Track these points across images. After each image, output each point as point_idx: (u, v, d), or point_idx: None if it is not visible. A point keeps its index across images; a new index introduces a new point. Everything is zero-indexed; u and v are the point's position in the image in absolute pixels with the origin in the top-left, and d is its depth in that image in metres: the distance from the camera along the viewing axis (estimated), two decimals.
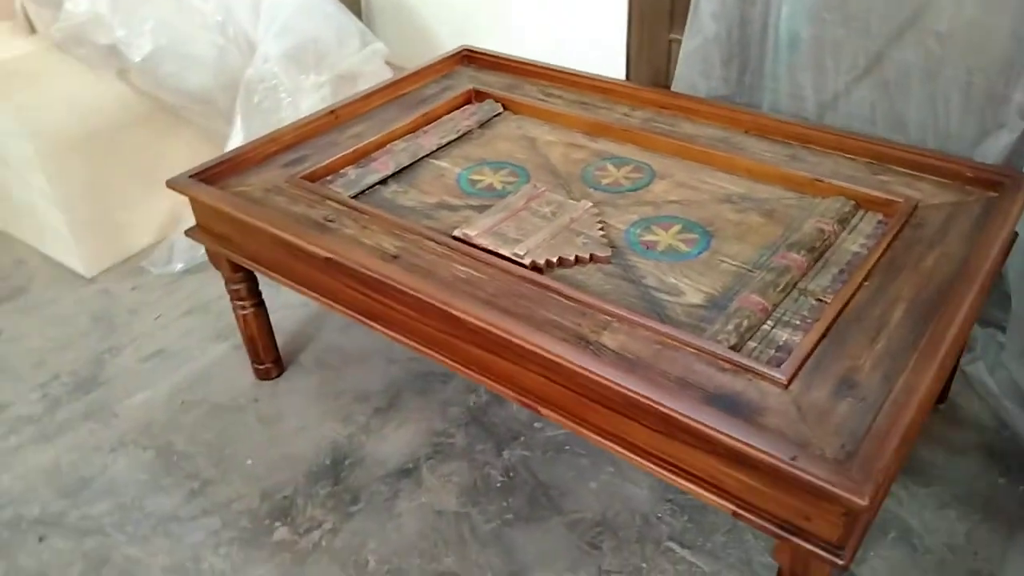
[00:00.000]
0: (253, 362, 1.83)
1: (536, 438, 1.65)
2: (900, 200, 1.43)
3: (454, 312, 1.21)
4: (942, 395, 1.70)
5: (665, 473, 1.10)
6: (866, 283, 1.26)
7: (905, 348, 1.13)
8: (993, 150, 1.77)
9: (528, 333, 1.16)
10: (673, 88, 2.25)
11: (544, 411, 1.21)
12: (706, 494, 1.07)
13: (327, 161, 1.66)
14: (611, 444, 1.15)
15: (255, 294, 1.72)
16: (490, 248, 1.39)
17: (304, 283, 1.49)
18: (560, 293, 1.26)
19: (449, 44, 2.21)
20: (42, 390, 1.86)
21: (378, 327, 1.39)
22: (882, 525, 1.46)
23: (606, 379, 1.08)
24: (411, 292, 1.26)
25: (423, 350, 1.34)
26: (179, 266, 2.22)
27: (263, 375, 1.84)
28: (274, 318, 1.81)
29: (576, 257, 1.37)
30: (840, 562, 0.97)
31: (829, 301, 1.25)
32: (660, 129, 1.72)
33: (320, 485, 1.59)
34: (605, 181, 1.61)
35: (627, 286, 1.32)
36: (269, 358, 1.83)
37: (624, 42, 2.49)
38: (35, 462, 1.68)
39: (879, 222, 1.44)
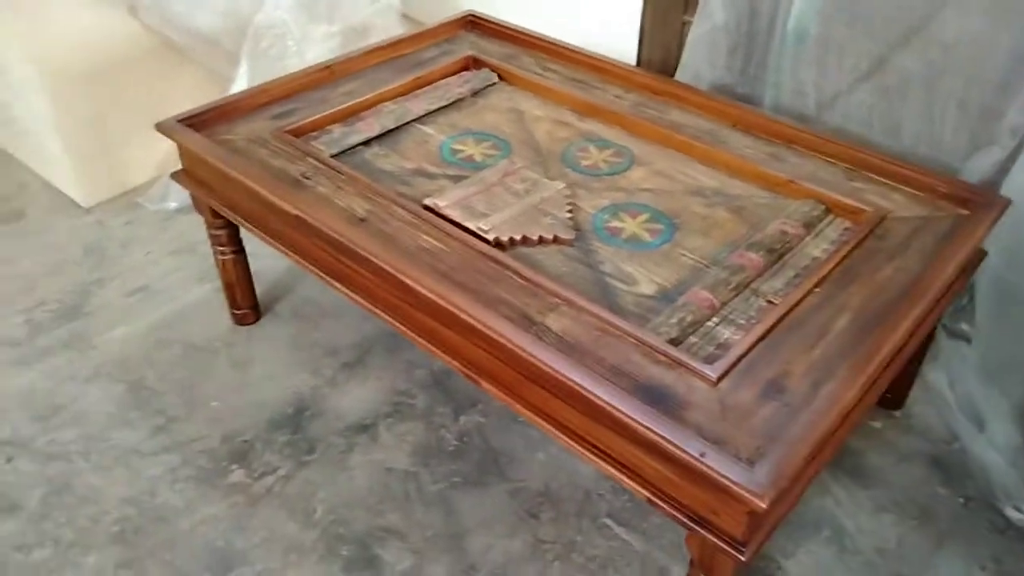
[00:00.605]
0: (231, 307, 1.88)
1: (493, 406, 1.69)
2: (869, 209, 1.44)
3: (407, 281, 1.24)
4: (899, 402, 1.72)
5: (591, 456, 1.14)
6: (817, 289, 1.27)
7: (840, 358, 1.15)
8: (982, 166, 1.76)
9: (475, 309, 1.19)
10: (678, 74, 2.24)
11: (485, 384, 1.24)
12: (626, 479, 1.10)
13: (315, 117, 1.68)
14: (544, 423, 1.18)
15: (236, 241, 1.76)
16: (457, 220, 1.41)
17: (277, 237, 1.53)
18: (516, 272, 1.28)
19: (467, 3, 2.21)
20: (27, 315, 1.93)
21: (341, 288, 1.43)
22: (816, 523, 1.50)
23: (541, 361, 1.11)
24: (370, 257, 1.29)
25: (381, 314, 1.38)
26: (173, 204, 2.27)
27: (240, 320, 1.89)
28: (256, 266, 1.85)
29: (540, 237, 1.40)
30: (742, 558, 1.01)
31: (778, 304, 1.27)
32: (648, 115, 1.73)
33: (280, 432, 1.64)
34: (584, 163, 1.62)
35: (584, 270, 1.35)
36: (247, 304, 1.87)
37: (639, 20, 2.47)
38: (12, 385, 1.74)
39: (846, 229, 1.45)
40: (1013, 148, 1.71)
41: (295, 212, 1.38)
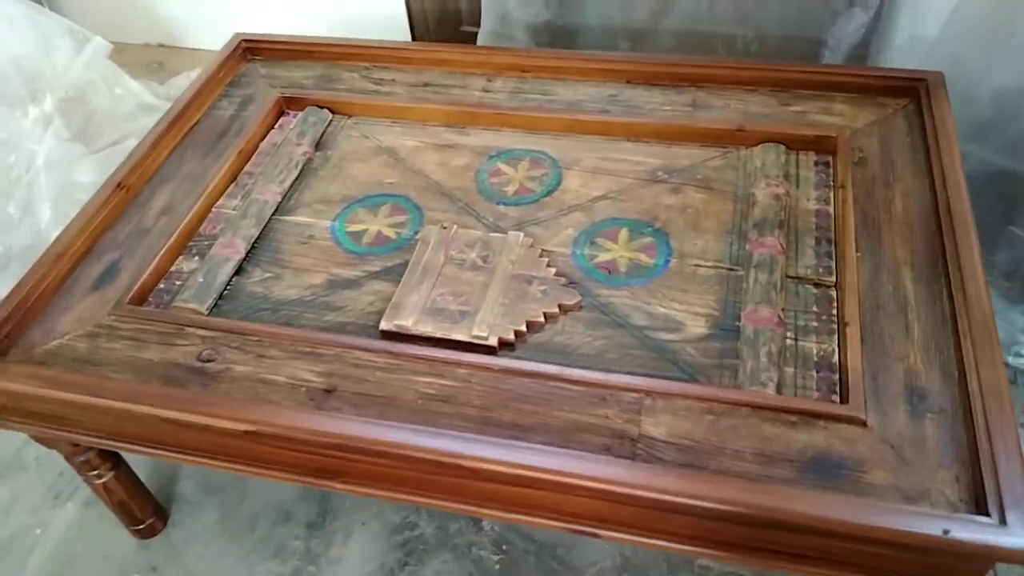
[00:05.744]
0: (128, 525, 1.42)
1: None
2: (831, 135, 1.32)
3: (466, 464, 0.94)
4: None
5: (778, 563, 0.96)
6: (857, 254, 1.15)
7: (938, 328, 1.05)
8: (848, 30, 1.72)
9: (562, 461, 0.93)
10: (484, 22, 1.96)
11: (605, 535, 1.00)
12: (831, 572, 0.94)
13: (151, 263, 1.23)
14: (698, 549, 0.98)
15: (110, 455, 1.30)
16: (439, 335, 1.11)
17: (211, 452, 1.11)
18: (562, 379, 1.03)
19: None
20: None
21: (341, 487, 1.07)
22: None
23: (686, 495, 0.90)
24: (386, 449, 0.97)
25: (417, 500, 1.06)
26: None
27: (147, 533, 1.44)
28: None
29: (544, 315, 1.13)
30: None
31: (830, 283, 1.13)
32: (535, 102, 1.46)
33: None
34: (510, 190, 1.34)
35: (619, 335, 1.11)
36: (148, 513, 1.42)
37: None
38: None
39: (815, 163, 1.33)
40: (877, 7, 1.67)
41: (245, 428, 1.00)
